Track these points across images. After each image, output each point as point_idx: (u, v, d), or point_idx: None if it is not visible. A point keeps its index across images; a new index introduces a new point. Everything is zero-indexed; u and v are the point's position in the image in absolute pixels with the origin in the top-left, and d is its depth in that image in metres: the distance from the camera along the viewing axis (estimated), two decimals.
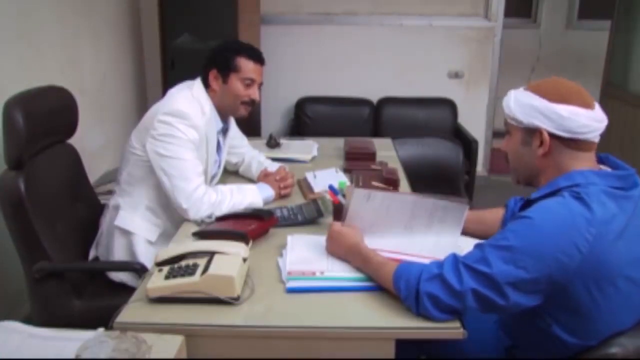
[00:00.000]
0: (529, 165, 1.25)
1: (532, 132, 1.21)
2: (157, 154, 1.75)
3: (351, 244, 1.39)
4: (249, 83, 1.86)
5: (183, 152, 1.74)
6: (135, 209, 1.87)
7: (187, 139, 1.75)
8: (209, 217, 1.72)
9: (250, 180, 2.09)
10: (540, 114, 1.17)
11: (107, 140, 3.16)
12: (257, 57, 1.88)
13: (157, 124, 1.75)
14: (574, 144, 1.17)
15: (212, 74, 1.85)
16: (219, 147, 1.98)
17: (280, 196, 1.93)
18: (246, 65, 1.85)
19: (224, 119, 1.96)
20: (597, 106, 1.19)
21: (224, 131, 2.01)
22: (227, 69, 1.84)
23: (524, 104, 1.20)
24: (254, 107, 1.96)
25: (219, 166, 2.04)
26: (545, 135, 1.18)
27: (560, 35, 5.44)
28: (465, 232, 1.51)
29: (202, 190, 1.74)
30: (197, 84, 1.88)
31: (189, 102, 1.80)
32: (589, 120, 1.15)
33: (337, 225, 1.45)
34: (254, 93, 1.88)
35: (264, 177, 2.01)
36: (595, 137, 1.18)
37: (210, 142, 1.86)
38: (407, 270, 1.21)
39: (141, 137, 1.82)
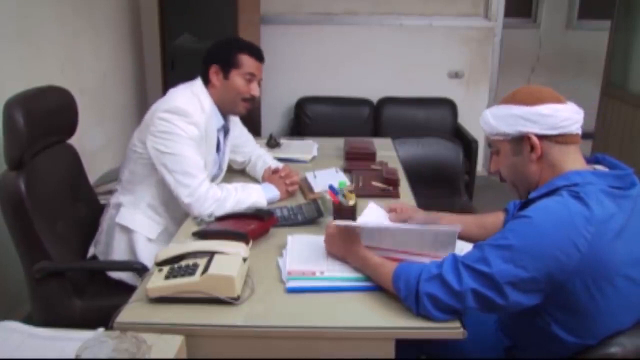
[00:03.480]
0: (526, 174, 1.25)
1: (520, 140, 1.23)
2: (158, 150, 1.75)
3: (350, 244, 1.39)
4: (250, 78, 1.86)
5: (184, 149, 1.74)
6: (137, 207, 1.87)
7: (187, 137, 1.75)
8: (210, 215, 1.72)
9: (256, 180, 2.09)
10: (523, 119, 1.20)
11: (107, 140, 3.16)
12: (258, 54, 1.89)
13: (157, 121, 1.75)
14: (561, 138, 1.20)
15: (213, 70, 1.85)
16: (218, 147, 1.97)
17: (288, 193, 1.93)
18: (247, 61, 1.85)
19: (224, 116, 1.95)
20: (568, 102, 1.23)
21: (225, 130, 2.00)
22: (228, 65, 1.85)
23: (504, 116, 1.23)
24: (254, 105, 1.96)
25: (219, 167, 2.03)
26: (534, 139, 1.20)
27: (560, 35, 5.43)
28: (467, 238, 1.51)
29: (207, 186, 1.75)
30: (197, 81, 1.89)
31: (189, 99, 1.81)
32: (569, 113, 1.19)
33: (335, 225, 1.45)
34: (254, 89, 1.88)
35: (269, 176, 2.01)
36: (577, 129, 1.21)
37: (209, 139, 1.86)
38: (406, 270, 1.21)
39: (142, 134, 1.82)
